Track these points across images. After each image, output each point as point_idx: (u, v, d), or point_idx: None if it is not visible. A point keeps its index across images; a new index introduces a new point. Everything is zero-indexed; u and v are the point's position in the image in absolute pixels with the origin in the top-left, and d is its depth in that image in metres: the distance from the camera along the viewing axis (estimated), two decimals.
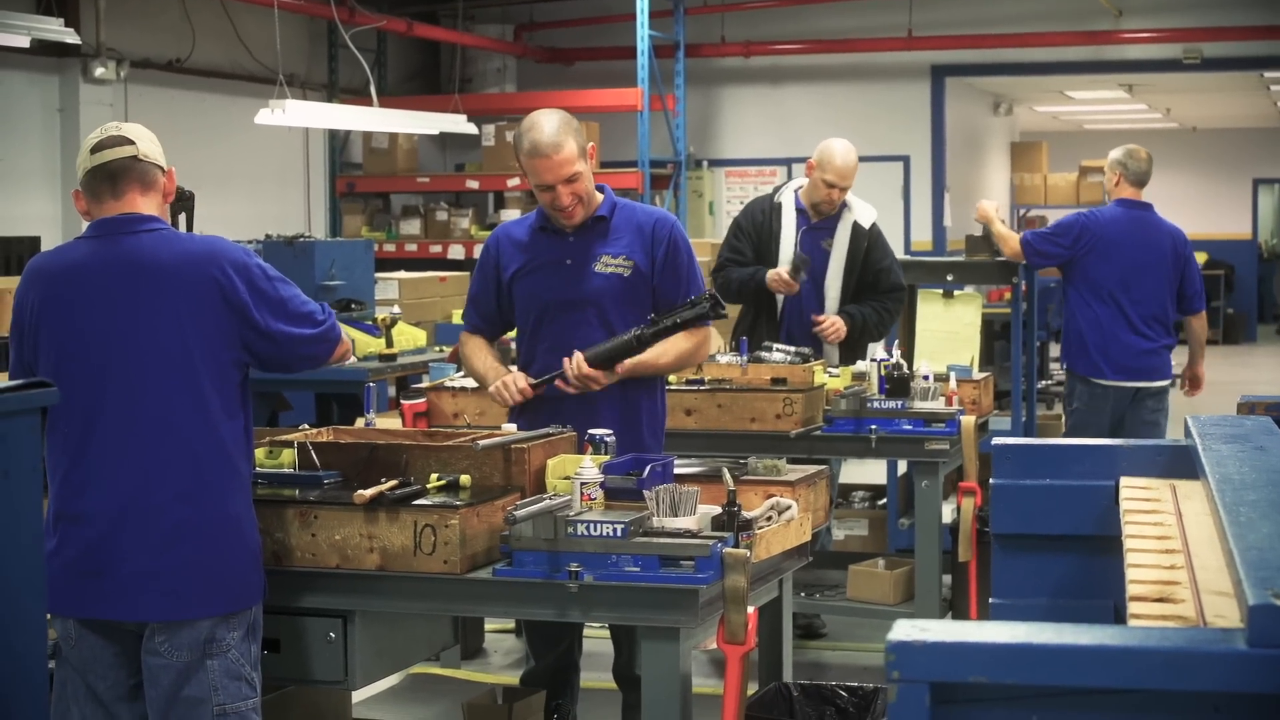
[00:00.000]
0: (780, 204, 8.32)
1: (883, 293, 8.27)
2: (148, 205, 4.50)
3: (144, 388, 4.35)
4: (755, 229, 8.31)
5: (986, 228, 9.33)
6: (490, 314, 6.03)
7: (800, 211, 8.29)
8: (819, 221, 8.27)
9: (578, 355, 5.66)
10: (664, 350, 5.77)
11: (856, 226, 8.25)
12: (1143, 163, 9.31)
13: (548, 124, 5.66)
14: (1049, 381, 14.93)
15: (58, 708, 4.41)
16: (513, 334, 6.51)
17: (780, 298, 8.18)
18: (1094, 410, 9.14)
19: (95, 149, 4.49)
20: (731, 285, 8.21)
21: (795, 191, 8.37)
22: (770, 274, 8.08)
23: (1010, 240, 9.23)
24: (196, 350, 4.38)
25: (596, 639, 7.35)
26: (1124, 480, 3.65)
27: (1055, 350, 10.14)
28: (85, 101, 13.05)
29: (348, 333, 9.62)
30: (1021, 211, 22.94)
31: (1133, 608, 2.60)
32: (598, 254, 5.81)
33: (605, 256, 5.81)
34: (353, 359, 8.79)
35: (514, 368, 6.01)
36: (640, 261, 5.80)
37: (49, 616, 4.10)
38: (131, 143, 4.50)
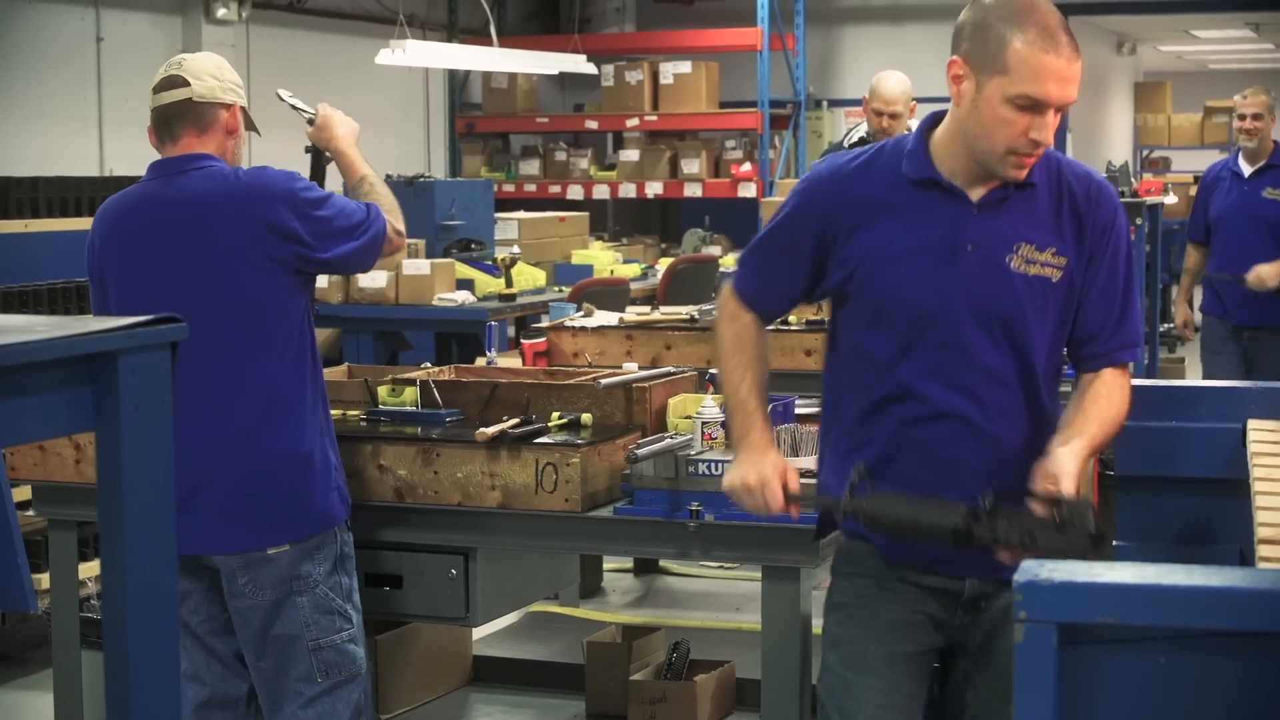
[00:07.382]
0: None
1: None
2: (205, 145, 4.43)
3: (204, 326, 4.21)
4: None
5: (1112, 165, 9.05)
6: (781, 291, 3.76)
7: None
8: None
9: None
10: (1111, 415, 3.53)
11: None
12: None
13: (1058, 14, 3.44)
14: (1170, 325, 14.82)
15: None
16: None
17: None
18: None
19: (155, 89, 4.46)
20: None
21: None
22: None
23: None
24: (252, 285, 4.32)
25: (715, 579, 7.37)
26: (1252, 423, 3.62)
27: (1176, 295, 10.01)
28: (207, 43, 13.08)
29: (468, 272, 9.77)
30: (1145, 153, 22.64)
31: (1261, 550, 2.59)
32: (1015, 240, 3.54)
33: (1027, 247, 3.53)
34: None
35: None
36: (1072, 259, 3.56)
37: None
38: (187, 84, 4.42)
